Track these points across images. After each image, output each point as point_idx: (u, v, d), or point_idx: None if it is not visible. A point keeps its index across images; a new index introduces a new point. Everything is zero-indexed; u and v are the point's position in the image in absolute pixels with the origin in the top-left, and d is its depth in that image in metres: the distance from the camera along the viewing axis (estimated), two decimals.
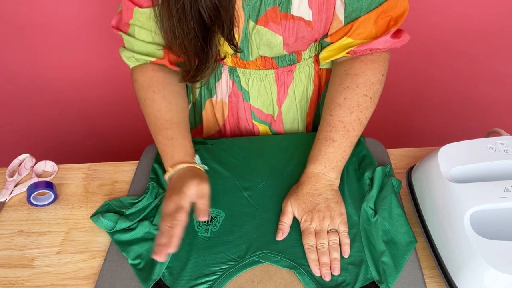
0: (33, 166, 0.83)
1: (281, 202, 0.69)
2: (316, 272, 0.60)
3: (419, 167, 0.68)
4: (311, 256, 0.61)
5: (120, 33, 0.74)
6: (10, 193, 0.78)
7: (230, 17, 0.64)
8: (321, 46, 0.77)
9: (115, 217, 0.68)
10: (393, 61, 1.44)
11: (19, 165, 0.83)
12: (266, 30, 0.68)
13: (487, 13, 1.24)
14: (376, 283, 0.58)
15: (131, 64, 0.75)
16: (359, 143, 0.78)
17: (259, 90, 0.81)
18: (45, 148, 1.56)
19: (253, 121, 0.86)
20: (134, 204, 0.71)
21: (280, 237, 0.64)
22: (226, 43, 0.69)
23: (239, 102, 0.84)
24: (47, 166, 0.83)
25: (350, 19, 0.68)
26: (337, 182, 0.69)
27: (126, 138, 1.54)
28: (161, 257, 0.58)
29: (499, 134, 0.71)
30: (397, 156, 0.79)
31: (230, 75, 0.81)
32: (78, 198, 0.77)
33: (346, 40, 0.70)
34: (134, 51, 0.73)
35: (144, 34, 0.71)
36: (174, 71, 0.76)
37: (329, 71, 0.84)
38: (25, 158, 0.83)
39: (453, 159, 0.63)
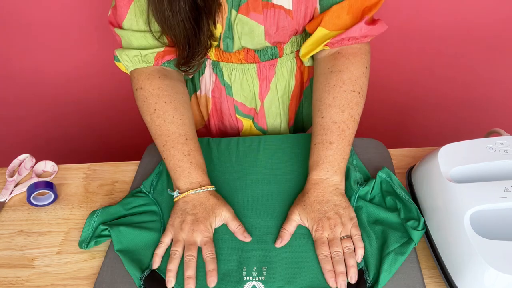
0: (33, 166, 0.83)
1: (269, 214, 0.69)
2: (333, 284, 0.59)
3: (419, 167, 0.68)
4: (327, 267, 0.60)
5: (115, 29, 0.72)
6: (10, 193, 0.78)
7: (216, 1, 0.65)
8: (304, 40, 0.78)
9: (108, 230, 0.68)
10: (393, 61, 1.45)
11: (19, 165, 0.83)
12: (247, 19, 0.69)
13: (487, 13, 1.24)
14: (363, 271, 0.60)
15: (135, 65, 0.72)
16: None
17: (241, 84, 0.81)
18: (45, 148, 1.56)
19: (237, 115, 0.86)
20: (129, 210, 0.72)
21: (278, 244, 0.64)
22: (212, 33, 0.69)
23: (222, 96, 0.84)
24: (47, 166, 0.83)
25: (325, 9, 0.69)
26: (342, 185, 0.68)
27: (126, 138, 1.54)
28: (171, 284, 0.60)
29: (499, 134, 0.71)
30: (397, 156, 0.79)
31: (213, 69, 0.81)
32: (78, 198, 0.77)
33: (321, 31, 0.70)
34: (133, 48, 0.71)
35: (142, 23, 0.69)
36: (178, 77, 0.76)
37: (312, 68, 0.84)
38: (25, 158, 0.83)
39: (453, 159, 0.63)
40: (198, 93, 0.87)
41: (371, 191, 0.70)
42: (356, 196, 0.69)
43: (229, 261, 0.62)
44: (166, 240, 0.65)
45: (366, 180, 0.72)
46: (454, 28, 1.28)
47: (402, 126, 1.56)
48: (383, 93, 1.45)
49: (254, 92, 0.83)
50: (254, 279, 0.60)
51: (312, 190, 0.67)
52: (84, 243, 0.67)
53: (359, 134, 0.75)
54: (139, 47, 0.71)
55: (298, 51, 0.80)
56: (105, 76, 1.36)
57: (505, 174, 0.61)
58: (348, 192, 0.70)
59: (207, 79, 0.83)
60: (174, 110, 0.71)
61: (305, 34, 0.77)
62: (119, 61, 0.74)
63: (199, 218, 0.65)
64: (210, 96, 0.85)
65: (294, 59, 0.81)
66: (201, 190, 0.67)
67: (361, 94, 0.70)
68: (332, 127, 0.68)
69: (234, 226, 0.65)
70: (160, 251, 0.64)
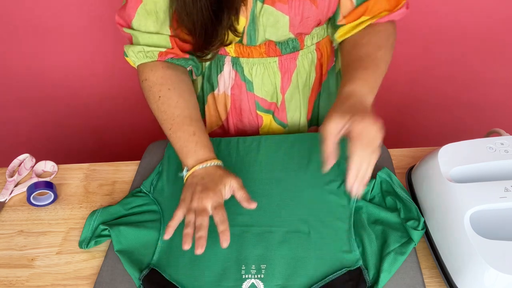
0: (33, 166, 0.83)
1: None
2: (351, 180, 0.62)
3: (419, 167, 0.68)
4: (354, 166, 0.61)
5: (124, 29, 0.73)
6: (10, 193, 0.78)
7: None
8: (331, 28, 0.80)
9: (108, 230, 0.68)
10: (393, 61, 1.44)
11: (19, 165, 0.83)
12: (273, 10, 0.69)
13: (487, 13, 1.24)
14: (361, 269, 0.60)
15: (139, 60, 0.73)
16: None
17: (263, 79, 0.82)
18: (45, 148, 1.56)
19: (257, 111, 0.86)
20: (129, 209, 0.72)
21: (326, 146, 0.62)
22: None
23: (242, 93, 0.84)
24: (47, 166, 0.83)
25: (362, 0, 0.72)
26: (370, 106, 0.64)
27: (126, 138, 1.54)
28: (202, 248, 0.58)
29: (499, 134, 0.71)
30: (397, 156, 0.79)
31: (232, 66, 0.82)
32: (78, 198, 0.77)
33: (362, 19, 0.73)
34: (140, 45, 0.72)
35: (150, 23, 0.70)
36: (183, 69, 0.76)
37: (330, 59, 0.86)
38: (25, 158, 0.83)
39: (453, 159, 0.63)
40: (215, 92, 0.87)
41: (371, 191, 0.70)
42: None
43: (228, 259, 0.62)
44: (178, 214, 0.62)
45: None
46: (454, 28, 1.28)
47: (402, 126, 1.56)
48: (383, 93, 1.45)
49: (275, 86, 0.83)
50: (253, 277, 0.60)
51: (341, 100, 0.64)
52: (84, 243, 0.67)
53: None
54: (149, 45, 0.72)
55: (318, 43, 0.81)
56: (105, 76, 1.36)
57: (505, 174, 0.61)
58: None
59: (226, 76, 0.83)
60: (178, 96, 0.72)
61: (327, 26, 0.80)
62: (127, 56, 0.75)
63: (208, 186, 0.64)
64: (229, 94, 0.85)
65: (315, 51, 0.82)
66: (208, 165, 0.67)
67: (392, 47, 0.74)
68: (366, 59, 0.69)
69: (240, 195, 0.64)
70: (173, 223, 0.61)
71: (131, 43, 0.74)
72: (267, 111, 0.87)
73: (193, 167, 0.67)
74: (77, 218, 0.73)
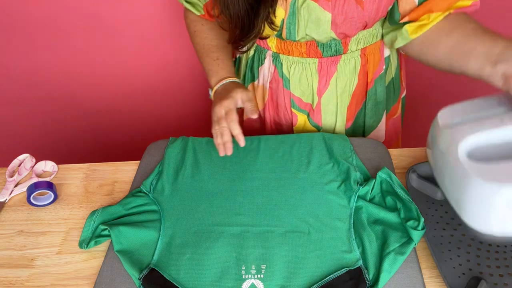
0: (33, 166, 0.83)
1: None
2: None
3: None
4: None
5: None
6: (10, 193, 0.78)
7: None
8: (389, 28, 0.76)
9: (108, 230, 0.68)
10: None
11: (19, 165, 0.83)
12: (315, 5, 0.68)
13: (488, 13, 1.24)
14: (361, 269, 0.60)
15: (188, 6, 0.83)
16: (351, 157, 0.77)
17: (300, 79, 0.82)
18: (45, 148, 1.56)
19: (292, 109, 0.86)
20: (128, 209, 0.72)
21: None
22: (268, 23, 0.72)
23: (279, 88, 0.85)
24: (47, 166, 0.83)
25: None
26: None
27: (126, 138, 1.54)
28: (230, 151, 0.69)
29: None
30: (397, 156, 0.79)
31: (273, 61, 0.82)
32: (78, 198, 0.77)
33: (435, 14, 0.68)
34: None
35: None
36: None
37: (378, 67, 0.83)
38: (25, 158, 0.83)
39: (452, 117, 0.60)
40: (255, 82, 0.89)
41: (371, 191, 0.70)
42: (356, 196, 0.69)
43: (228, 259, 0.62)
44: (214, 128, 0.70)
45: (366, 180, 0.72)
46: None
47: (402, 126, 1.56)
48: None
49: (312, 88, 0.83)
50: (253, 277, 0.60)
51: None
52: (84, 243, 0.67)
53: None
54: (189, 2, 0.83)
55: (364, 49, 0.79)
56: (105, 76, 1.36)
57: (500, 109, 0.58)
58: (348, 192, 0.70)
59: (266, 70, 0.85)
60: (209, 30, 0.84)
61: (377, 31, 0.79)
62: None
63: (223, 95, 0.72)
64: (268, 87, 0.86)
65: (359, 57, 0.80)
66: (225, 82, 0.76)
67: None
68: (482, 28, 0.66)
69: (246, 106, 0.71)
70: (216, 141, 0.70)
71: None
72: (302, 111, 0.87)
73: (215, 85, 0.77)
74: (77, 218, 0.73)
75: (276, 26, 0.72)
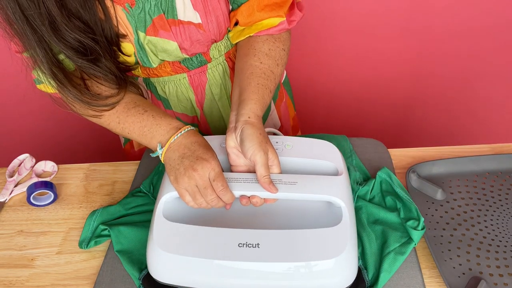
0: (33, 166, 0.83)
1: None
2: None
3: None
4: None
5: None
6: (10, 193, 0.78)
7: (109, 28, 0.63)
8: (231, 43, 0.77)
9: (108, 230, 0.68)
10: (392, 61, 1.44)
11: (19, 165, 0.83)
12: (158, 40, 0.68)
13: (488, 13, 1.24)
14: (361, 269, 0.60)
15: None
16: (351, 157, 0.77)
17: (177, 96, 0.81)
18: (45, 148, 1.56)
19: None
20: (128, 209, 0.72)
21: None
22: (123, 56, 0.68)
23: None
24: (47, 166, 0.83)
25: (235, 9, 0.69)
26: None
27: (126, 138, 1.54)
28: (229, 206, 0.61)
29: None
30: (397, 156, 0.79)
31: (146, 86, 0.81)
32: (78, 198, 0.77)
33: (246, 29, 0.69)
34: None
35: None
36: None
37: None
38: (25, 158, 0.83)
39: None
40: None
41: (371, 191, 0.70)
42: (356, 196, 0.69)
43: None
44: (186, 199, 0.58)
45: (366, 180, 0.72)
46: (454, 28, 1.28)
47: (402, 126, 1.56)
48: (383, 93, 1.45)
49: (191, 101, 0.82)
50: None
51: (252, 125, 0.59)
52: (84, 243, 0.67)
53: (359, 134, 0.75)
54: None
55: (227, 52, 0.78)
56: None
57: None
58: None
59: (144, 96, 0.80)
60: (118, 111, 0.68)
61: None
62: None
63: (197, 155, 0.58)
64: None
65: (225, 61, 0.79)
66: (183, 131, 0.61)
67: (287, 55, 0.70)
68: (271, 77, 0.65)
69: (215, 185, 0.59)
70: (191, 204, 0.59)
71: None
72: (192, 125, 0.85)
73: (167, 140, 0.60)
74: (77, 218, 0.73)
75: (129, 62, 0.70)
